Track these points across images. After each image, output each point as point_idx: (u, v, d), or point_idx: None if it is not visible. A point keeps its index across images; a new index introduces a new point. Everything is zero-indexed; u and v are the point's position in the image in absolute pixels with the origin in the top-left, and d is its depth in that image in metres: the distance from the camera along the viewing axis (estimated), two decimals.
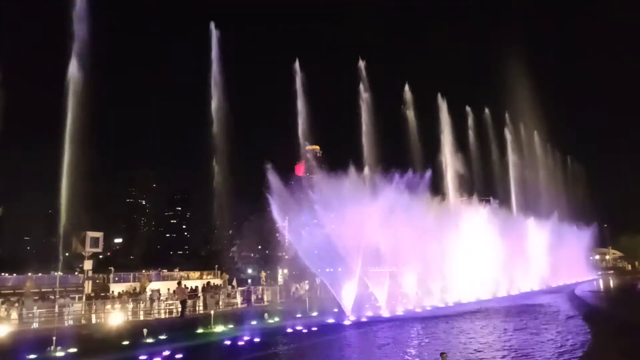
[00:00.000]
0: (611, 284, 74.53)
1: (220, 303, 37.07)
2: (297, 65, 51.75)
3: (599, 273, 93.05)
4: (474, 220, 50.66)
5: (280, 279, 56.24)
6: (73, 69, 32.98)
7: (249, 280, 61.65)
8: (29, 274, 49.66)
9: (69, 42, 32.23)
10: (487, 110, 75.63)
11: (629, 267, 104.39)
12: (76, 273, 47.51)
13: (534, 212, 70.42)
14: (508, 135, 78.68)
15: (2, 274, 63.30)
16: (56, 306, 28.79)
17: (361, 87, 54.25)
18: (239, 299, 39.19)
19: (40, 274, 48.69)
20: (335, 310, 33.83)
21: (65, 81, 32.03)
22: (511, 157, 77.58)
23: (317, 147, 71.53)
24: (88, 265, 34.80)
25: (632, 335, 21.20)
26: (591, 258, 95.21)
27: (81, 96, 32.49)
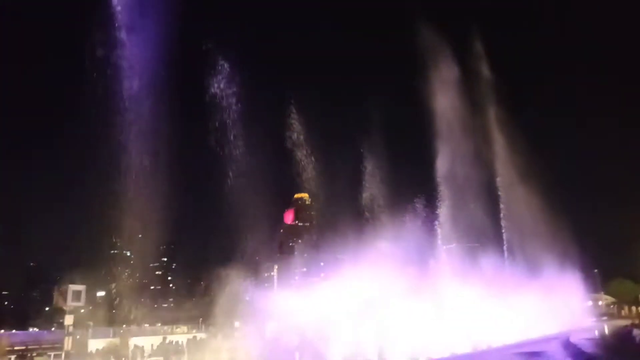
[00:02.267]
0: (606, 330, 73.37)
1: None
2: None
3: (594, 319, 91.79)
4: (468, 268, 50.25)
5: (269, 332, 54.30)
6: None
7: (236, 334, 59.36)
8: (3, 331, 47.45)
9: None
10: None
11: (622, 312, 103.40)
12: (53, 329, 45.52)
13: (523, 258, 70.20)
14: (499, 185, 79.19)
15: None
16: None
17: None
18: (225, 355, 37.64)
19: (15, 331, 46.55)
20: None
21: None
22: (501, 206, 77.96)
23: (306, 195, 71.60)
24: (69, 320, 33.38)
25: None
26: (585, 304, 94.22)
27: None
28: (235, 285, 36.37)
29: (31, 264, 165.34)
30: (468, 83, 70.33)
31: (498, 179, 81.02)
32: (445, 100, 66.91)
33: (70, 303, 32.84)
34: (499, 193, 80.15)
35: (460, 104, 68.38)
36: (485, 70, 79.31)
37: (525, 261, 72.04)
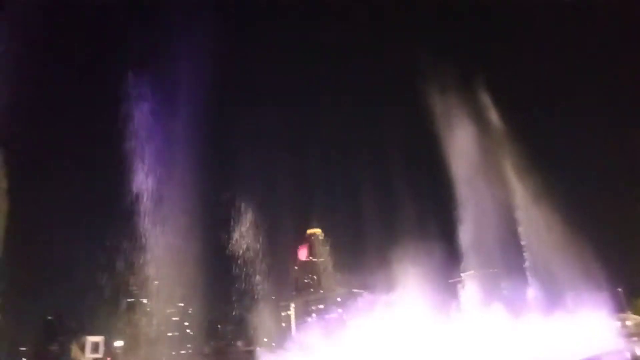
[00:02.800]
0: (637, 351, 70.64)
1: None
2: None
3: (623, 340, 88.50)
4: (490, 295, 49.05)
5: None
6: None
7: None
8: None
9: None
10: None
11: None
12: None
13: (546, 280, 68.45)
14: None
15: None
16: None
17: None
18: None
19: None
20: None
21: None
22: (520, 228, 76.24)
23: (319, 231, 71.66)
24: None
25: None
26: (612, 325, 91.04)
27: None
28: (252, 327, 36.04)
29: (49, 317, 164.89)
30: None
31: (515, 201, 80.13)
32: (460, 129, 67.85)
33: (89, 355, 32.86)
34: (517, 215, 78.97)
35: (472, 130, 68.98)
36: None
37: (548, 283, 70.32)
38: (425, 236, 53.49)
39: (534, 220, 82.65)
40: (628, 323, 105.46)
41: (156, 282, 49.65)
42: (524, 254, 75.83)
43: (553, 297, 66.10)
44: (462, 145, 68.35)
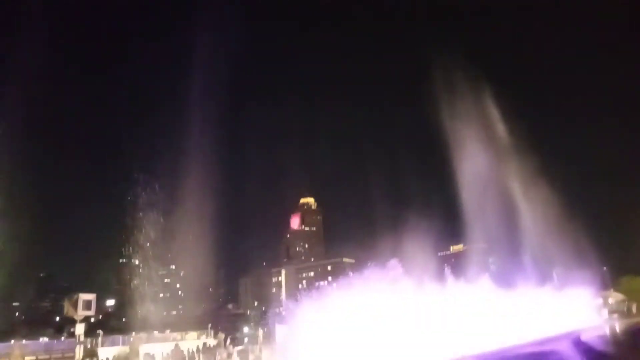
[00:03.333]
0: (617, 328, 72.87)
1: None
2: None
3: (604, 317, 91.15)
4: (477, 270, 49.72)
5: (278, 337, 54.49)
6: None
7: (245, 339, 59.68)
8: (15, 341, 47.88)
9: None
10: None
11: (633, 309, 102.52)
12: (62, 338, 45.91)
13: (532, 257, 69.53)
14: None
15: None
16: None
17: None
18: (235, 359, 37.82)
19: (24, 341, 46.91)
20: None
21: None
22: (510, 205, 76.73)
23: (312, 200, 71.59)
24: (80, 329, 33.73)
25: None
26: (595, 302, 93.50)
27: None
28: (243, 291, 36.52)
29: (41, 274, 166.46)
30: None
31: (513, 179, 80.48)
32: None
33: (81, 312, 33.22)
34: (514, 193, 79.38)
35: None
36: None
37: (539, 260, 71.51)
38: (419, 209, 53.78)
39: (530, 199, 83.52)
40: (610, 300, 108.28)
41: (148, 244, 49.71)
42: (519, 231, 76.75)
43: (542, 274, 67.33)
44: (462, 123, 68.03)
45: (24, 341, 47.16)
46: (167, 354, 34.78)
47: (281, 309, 50.20)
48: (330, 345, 33.21)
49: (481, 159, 69.26)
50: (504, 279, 53.49)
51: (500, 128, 79.33)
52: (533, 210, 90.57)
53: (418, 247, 41.41)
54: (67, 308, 33.78)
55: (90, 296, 34.46)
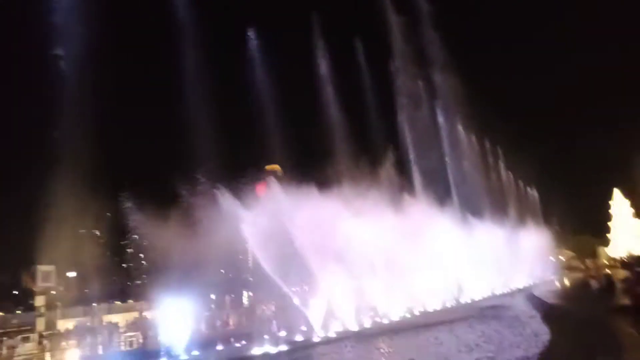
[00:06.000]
0: (566, 282, 77.72)
1: None
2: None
3: (555, 273, 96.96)
4: (435, 223, 50.64)
5: (245, 302, 55.04)
6: None
7: (212, 306, 59.93)
8: None
9: None
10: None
11: (582, 265, 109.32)
12: (19, 312, 44.67)
13: (477, 215, 70.47)
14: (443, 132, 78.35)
15: None
16: (4, 348, 26.92)
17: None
18: (203, 326, 38.02)
19: None
20: (304, 328, 33.43)
21: None
22: (448, 154, 76.41)
23: (278, 167, 70.88)
24: (40, 301, 32.86)
25: (587, 328, 22.06)
26: (547, 259, 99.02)
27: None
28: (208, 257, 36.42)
29: None
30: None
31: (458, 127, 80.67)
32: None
33: (40, 284, 32.33)
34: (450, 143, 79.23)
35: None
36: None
37: (489, 216, 73.69)
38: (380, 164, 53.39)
39: (474, 149, 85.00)
40: (561, 257, 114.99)
41: (109, 214, 48.30)
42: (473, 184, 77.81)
43: (492, 229, 69.25)
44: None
45: None
46: (132, 322, 34.57)
47: (248, 275, 50.38)
48: None
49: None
50: (454, 232, 55.13)
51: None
52: (492, 171, 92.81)
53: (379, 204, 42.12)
54: (26, 280, 32.82)
55: (50, 268, 33.52)
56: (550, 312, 32.41)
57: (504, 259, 68.04)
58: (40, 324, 32.37)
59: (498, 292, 63.90)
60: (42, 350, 28.92)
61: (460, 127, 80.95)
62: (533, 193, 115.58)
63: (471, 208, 70.70)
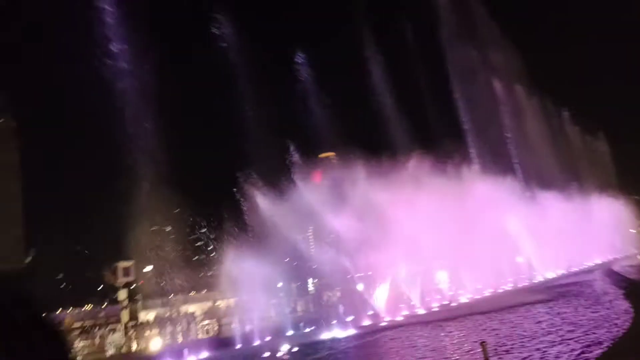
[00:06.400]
0: None
1: None
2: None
3: (636, 247, 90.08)
4: (499, 200, 48.31)
5: (311, 289, 56.13)
6: None
7: (280, 294, 61.60)
8: (63, 310, 50.46)
9: None
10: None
11: None
12: (104, 305, 48.18)
13: (546, 187, 66.92)
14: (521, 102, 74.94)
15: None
16: (96, 337, 29.28)
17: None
18: (272, 313, 39.26)
19: (71, 309, 49.36)
20: (371, 312, 33.62)
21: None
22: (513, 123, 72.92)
23: (333, 154, 71.03)
24: (123, 295, 35.37)
25: None
26: (627, 233, 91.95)
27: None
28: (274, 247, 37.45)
29: (78, 247, 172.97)
30: None
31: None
32: None
33: (122, 279, 34.72)
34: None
35: None
36: None
37: (559, 188, 69.71)
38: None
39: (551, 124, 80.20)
40: None
41: (178, 210, 50.76)
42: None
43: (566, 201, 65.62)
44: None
45: (69, 310, 49.74)
46: (206, 311, 36.37)
47: (311, 263, 51.30)
48: None
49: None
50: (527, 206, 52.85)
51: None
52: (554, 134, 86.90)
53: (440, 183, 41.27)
54: (108, 276, 35.35)
55: (129, 263, 35.89)
56: (632, 289, 30.34)
57: (578, 233, 64.22)
58: (125, 316, 34.91)
59: (573, 269, 60.64)
60: (129, 339, 31.18)
61: (519, 94, 77.17)
62: (608, 160, 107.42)
63: (538, 180, 67.45)
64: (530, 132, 77.06)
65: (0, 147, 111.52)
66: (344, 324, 31.46)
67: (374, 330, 28.75)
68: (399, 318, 32.38)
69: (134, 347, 30.48)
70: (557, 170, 76.23)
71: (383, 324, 31.08)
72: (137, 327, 34.13)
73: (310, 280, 58.20)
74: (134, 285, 41.75)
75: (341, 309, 36.84)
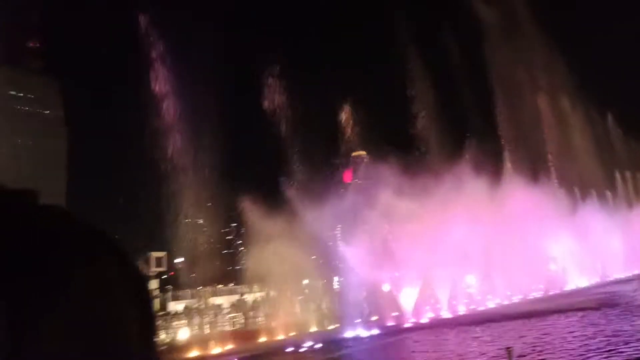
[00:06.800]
0: None
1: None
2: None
3: None
4: (535, 207, 46.96)
5: (336, 287, 56.22)
6: None
7: (306, 290, 61.99)
8: None
9: None
10: None
11: None
12: None
13: (585, 193, 64.61)
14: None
15: None
16: None
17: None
18: (298, 309, 39.66)
19: None
20: (396, 313, 33.50)
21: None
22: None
23: (364, 153, 70.74)
24: (154, 284, 36.49)
25: None
26: None
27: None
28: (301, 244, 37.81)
29: (115, 236, 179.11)
30: None
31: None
32: None
33: (154, 269, 35.86)
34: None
35: None
36: None
37: (598, 195, 67.23)
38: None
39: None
40: None
41: (209, 204, 51.82)
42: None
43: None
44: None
45: None
46: (233, 304, 37.07)
47: (338, 261, 51.40)
48: None
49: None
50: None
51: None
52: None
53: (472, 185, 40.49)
54: (141, 266, 36.57)
55: (161, 254, 37.02)
56: None
57: (616, 242, 61.88)
58: (155, 306, 35.99)
59: (609, 278, 58.43)
60: (158, 329, 32.17)
61: (562, 103, 74.63)
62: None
63: (579, 187, 65.33)
64: (572, 138, 74.51)
65: (49, 136, 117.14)
66: (367, 324, 31.48)
67: (398, 331, 28.64)
68: (424, 320, 32.12)
69: (162, 337, 31.43)
70: (598, 177, 73.45)
71: (407, 325, 30.91)
72: (167, 317, 35.16)
73: (335, 279, 58.35)
74: (165, 275, 43.03)
75: (366, 308, 36.85)
